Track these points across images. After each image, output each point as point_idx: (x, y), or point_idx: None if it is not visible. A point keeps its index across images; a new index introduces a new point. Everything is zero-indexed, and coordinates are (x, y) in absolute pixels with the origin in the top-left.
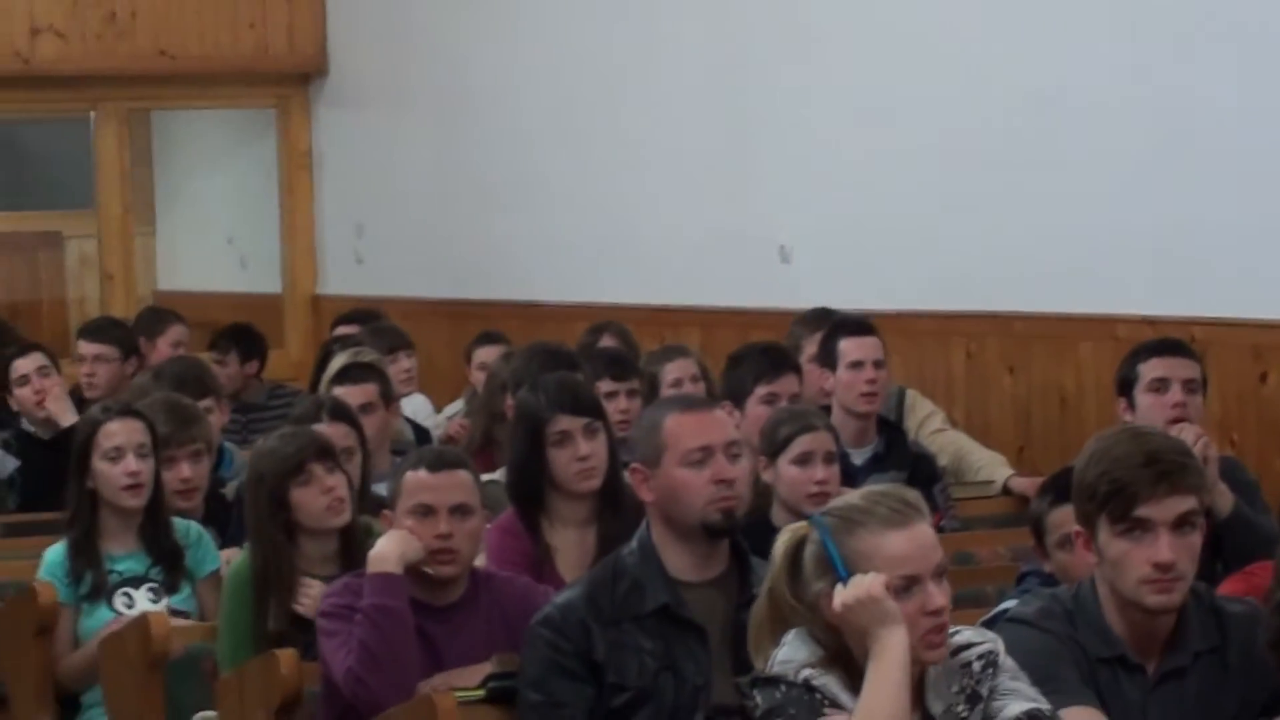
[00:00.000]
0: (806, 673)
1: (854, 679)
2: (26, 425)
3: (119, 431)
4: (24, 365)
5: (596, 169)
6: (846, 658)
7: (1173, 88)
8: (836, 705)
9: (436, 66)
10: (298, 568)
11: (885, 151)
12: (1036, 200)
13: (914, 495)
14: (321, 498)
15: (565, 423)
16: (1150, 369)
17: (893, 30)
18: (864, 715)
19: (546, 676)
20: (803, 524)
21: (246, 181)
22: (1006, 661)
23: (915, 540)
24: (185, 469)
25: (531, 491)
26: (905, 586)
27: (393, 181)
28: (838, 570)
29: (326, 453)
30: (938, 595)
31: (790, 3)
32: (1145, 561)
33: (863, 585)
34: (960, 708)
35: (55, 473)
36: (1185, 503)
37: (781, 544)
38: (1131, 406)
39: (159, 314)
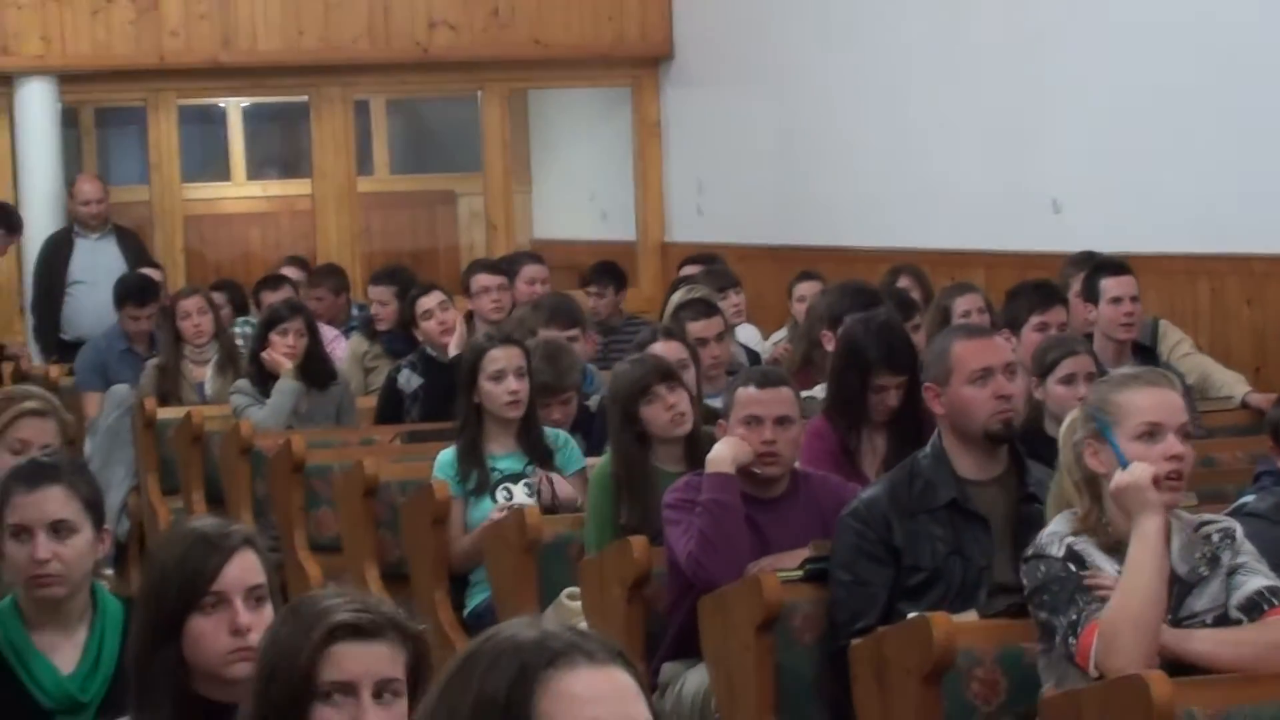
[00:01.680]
0: (1069, 540)
1: (1112, 546)
2: (430, 350)
3: (501, 357)
4: (427, 302)
5: (898, 132)
6: (1104, 529)
7: None
8: (1096, 569)
9: (764, 48)
10: (651, 469)
11: (1143, 120)
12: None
13: (1170, 373)
14: (665, 413)
15: (884, 379)
16: None
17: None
18: (1127, 584)
19: (854, 560)
20: (1074, 414)
21: (606, 148)
22: (1245, 544)
23: (1163, 398)
24: (556, 413)
25: (849, 403)
26: (1150, 432)
27: (727, 145)
28: (1116, 455)
29: (669, 374)
30: (1177, 445)
31: None
32: None
33: (1134, 474)
34: (1202, 568)
35: (449, 390)
36: None
37: (1064, 426)
38: None
39: (518, 256)
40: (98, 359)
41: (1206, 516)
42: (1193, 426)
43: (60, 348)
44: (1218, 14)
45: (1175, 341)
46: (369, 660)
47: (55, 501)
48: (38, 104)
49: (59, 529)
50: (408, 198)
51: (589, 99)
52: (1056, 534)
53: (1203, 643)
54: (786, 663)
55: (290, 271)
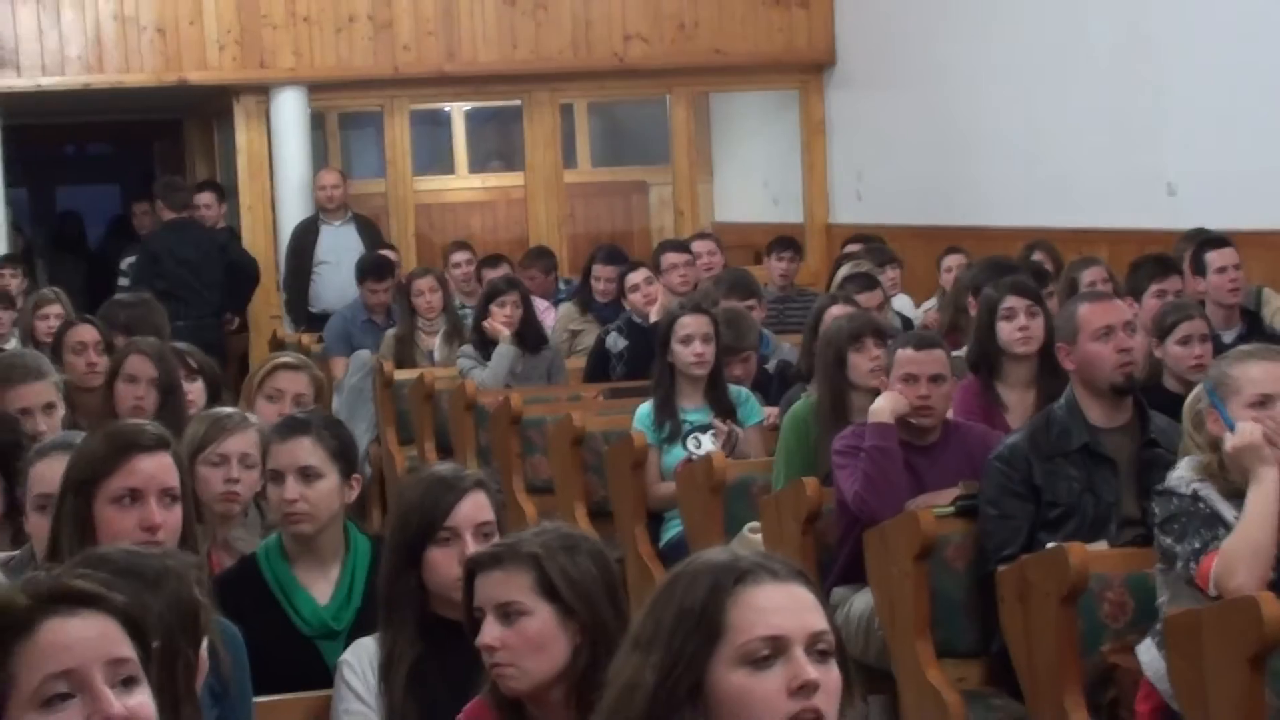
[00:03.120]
0: (1195, 485)
1: (1230, 492)
2: (635, 317)
3: (690, 323)
4: (635, 277)
5: (1032, 125)
6: (1224, 476)
7: None
8: (1215, 510)
9: (913, 54)
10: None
11: (1245, 113)
12: None
13: None
14: (869, 362)
15: (1012, 301)
16: None
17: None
18: (1247, 520)
19: (1000, 497)
20: (1199, 387)
21: (777, 142)
22: None
23: (1274, 370)
24: (737, 370)
25: (988, 358)
26: (1261, 402)
27: (882, 139)
28: (1225, 420)
29: (879, 330)
30: None
31: None
32: None
33: (1246, 433)
34: None
35: (649, 350)
36: None
37: (1190, 396)
38: None
39: (667, 244)
40: (343, 328)
41: None
42: None
43: (309, 319)
44: None
45: (1277, 306)
46: (471, 509)
47: (303, 450)
48: (290, 110)
49: (307, 474)
50: (606, 187)
51: (762, 100)
52: (1184, 477)
53: None
54: (940, 587)
55: (461, 256)
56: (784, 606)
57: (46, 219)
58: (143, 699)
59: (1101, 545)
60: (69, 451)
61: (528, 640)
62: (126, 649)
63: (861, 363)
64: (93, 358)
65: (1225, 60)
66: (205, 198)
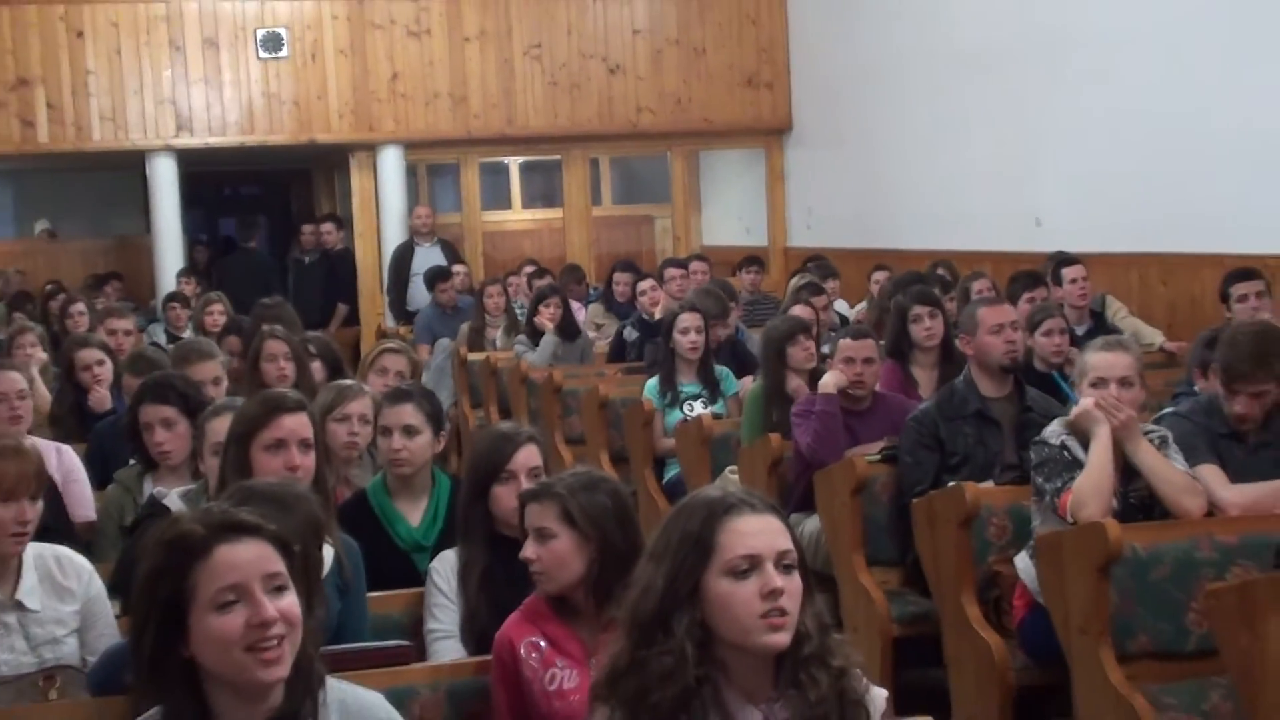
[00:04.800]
0: (1063, 437)
1: (1087, 443)
2: (644, 315)
3: (687, 319)
4: (644, 285)
5: (937, 173)
6: (1082, 432)
7: None
8: (1076, 457)
9: (849, 124)
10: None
11: (1097, 160)
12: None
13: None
14: (803, 353)
15: (918, 308)
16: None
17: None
18: (1089, 472)
19: (915, 448)
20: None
21: (748, 187)
22: (1173, 445)
23: (1108, 359)
24: (720, 331)
25: (901, 348)
26: (1095, 383)
27: (826, 184)
28: (1070, 397)
29: (807, 328)
30: (1113, 390)
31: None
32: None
33: (1081, 405)
34: None
35: (654, 340)
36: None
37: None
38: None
39: (692, 257)
40: (427, 323)
41: (1149, 426)
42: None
43: (406, 316)
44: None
45: (1116, 309)
46: (525, 457)
47: (407, 413)
48: (391, 163)
49: (409, 431)
50: (623, 220)
51: (738, 156)
52: (1055, 431)
53: (1149, 456)
54: (870, 514)
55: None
56: (759, 531)
57: (212, 242)
58: (290, 600)
59: (989, 484)
60: (233, 411)
61: (555, 556)
62: (277, 565)
63: (796, 353)
64: (282, 364)
65: (1081, 122)
66: (328, 227)
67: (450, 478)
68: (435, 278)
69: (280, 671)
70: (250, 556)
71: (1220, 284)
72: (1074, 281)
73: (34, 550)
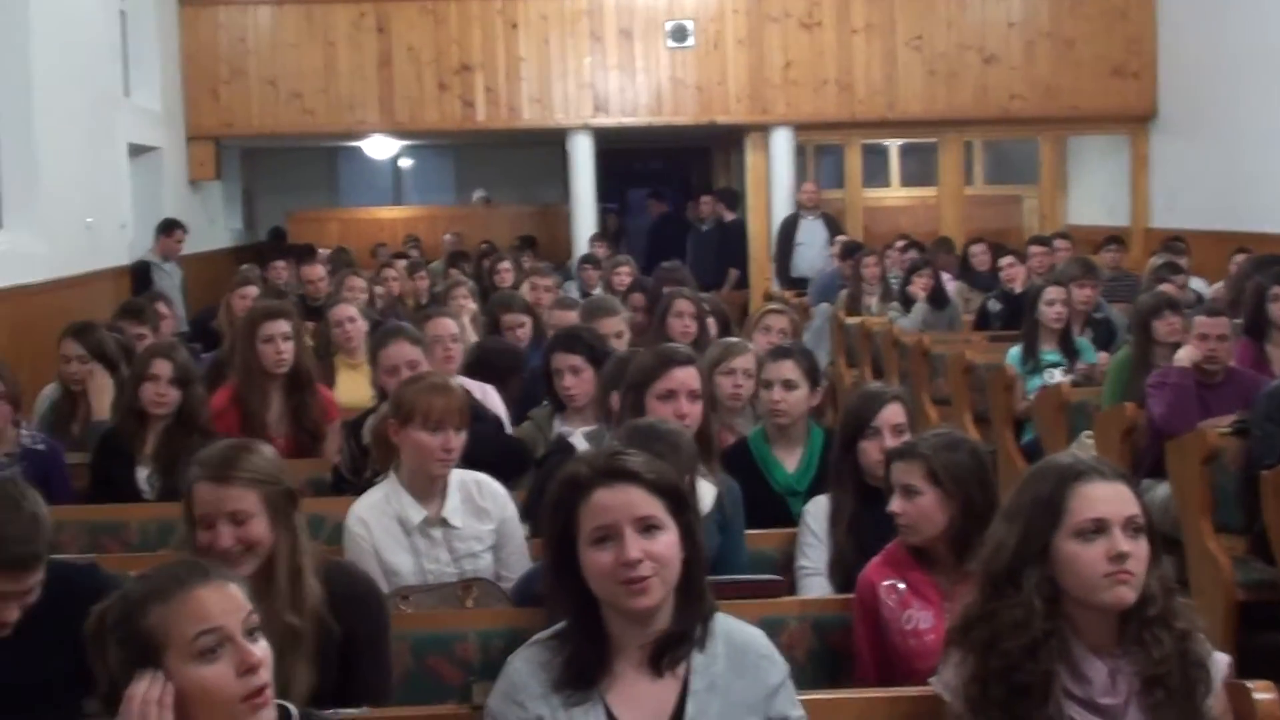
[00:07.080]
0: None
1: None
2: (1005, 287)
3: (1052, 293)
4: (1005, 260)
5: None
6: None
7: None
8: None
9: (1213, 111)
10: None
11: None
12: None
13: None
14: (1165, 327)
15: (1276, 289)
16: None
17: None
18: None
19: (1265, 422)
20: None
21: (1113, 170)
22: None
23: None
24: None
25: (1257, 326)
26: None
27: (1189, 169)
28: None
29: (1175, 305)
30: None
31: None
32: None
33: None
34: None
35: (1019, 312)
36: None
37: None
38: None
39: (1060, 233)
40: (821, 290)
41: None
42: None
43: (790, 281)
44: None
45: None
46: (890, 414)
47: (787, 369)
48: (781, 143)
49: (788, 385)
50: (993, 199)
51: (1105, 141)
52: None
53: None
54: (1218, 483)
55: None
56: (1108, 498)
57: (619, 211)
58: (662, 541)
59: None
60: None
61: (920, 511)
62: (649, 508)
63: (1161, 327)
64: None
65: None
66: (713, 201)
67: (824, 430)
68: (849, 251)
69: (647, 601)
70: (623, 500)
71: None
72: None
73: (458, 475)
